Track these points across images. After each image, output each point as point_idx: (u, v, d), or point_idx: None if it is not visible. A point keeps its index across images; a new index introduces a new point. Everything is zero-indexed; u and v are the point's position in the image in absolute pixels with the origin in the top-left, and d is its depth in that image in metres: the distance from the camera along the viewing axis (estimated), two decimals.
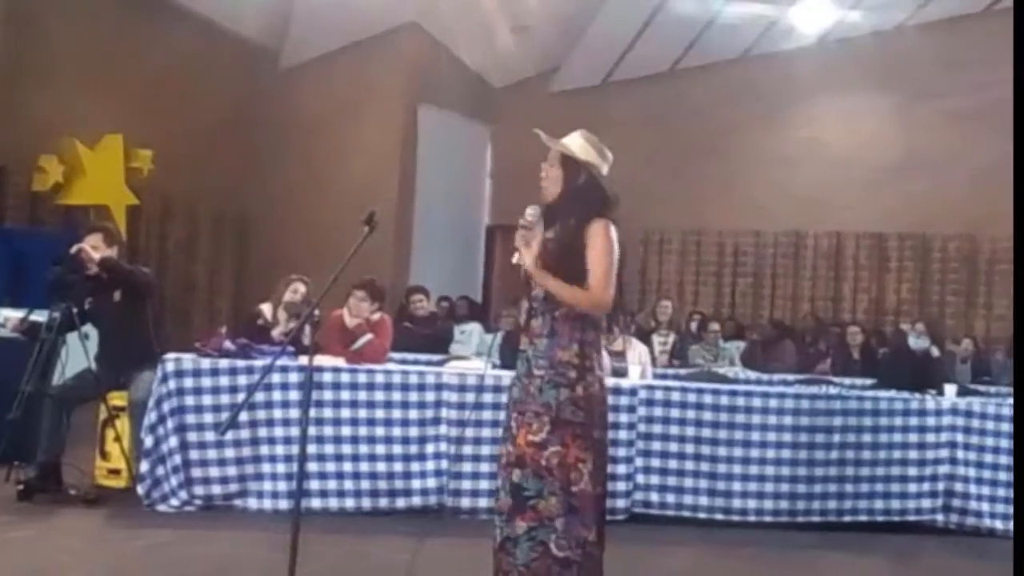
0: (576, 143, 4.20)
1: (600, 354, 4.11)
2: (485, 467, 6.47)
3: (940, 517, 6.85)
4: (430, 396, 6.48)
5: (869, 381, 9.13)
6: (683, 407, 6.65)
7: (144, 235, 12.50)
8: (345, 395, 6.39)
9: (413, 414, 6.45)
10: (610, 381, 6.82)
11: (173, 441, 6.23)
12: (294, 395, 6.29)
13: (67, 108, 11.10)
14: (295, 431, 6.14)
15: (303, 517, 4.15)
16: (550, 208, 4.17)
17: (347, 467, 6.37)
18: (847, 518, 6.77)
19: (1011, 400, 7.51)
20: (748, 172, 14.87)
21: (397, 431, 6.42)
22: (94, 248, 6.57)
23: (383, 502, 6.42)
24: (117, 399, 6.61)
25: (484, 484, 6.47)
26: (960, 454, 6.88)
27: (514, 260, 4.11)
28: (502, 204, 15.89)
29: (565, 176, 4.16)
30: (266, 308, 7.48)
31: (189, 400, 6.28)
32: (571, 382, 3.99)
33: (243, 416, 6.13)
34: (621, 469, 6.55)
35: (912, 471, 6.84)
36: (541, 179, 4.18)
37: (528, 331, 4.12)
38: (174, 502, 6.21)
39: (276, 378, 6.28)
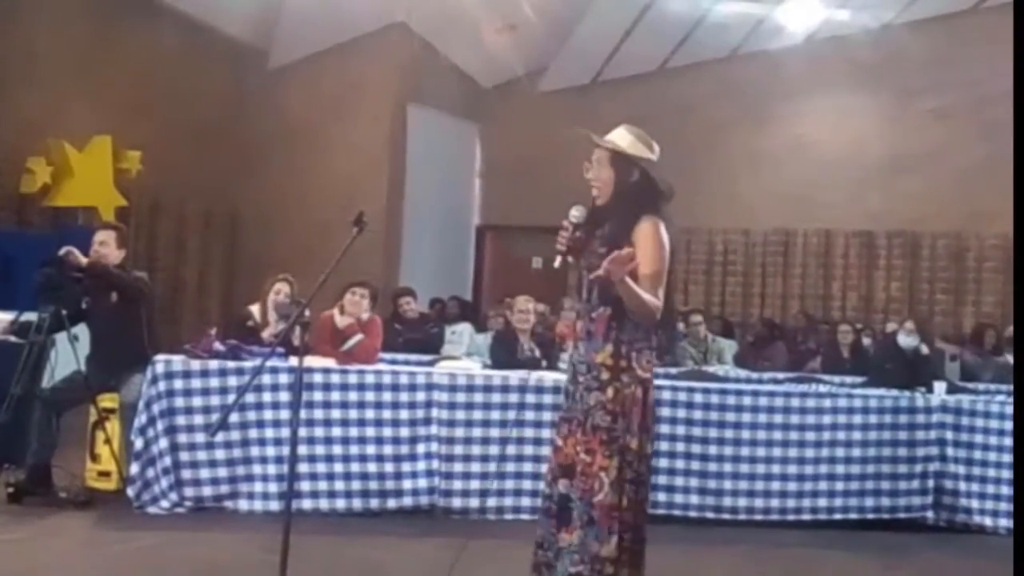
0: (625, 139, 4.08)
1: (645, 354, 3.97)
2: (476, 467, 6.49)
3: (930, 514, 6.87)
4: (420, 396, 6.48)
5: (859, 379, 9.14)
6: (674, 406, 6.66)
7: (133, 236, 12.38)
8: (335, 396, 6.38)
9: (404, 414, 6.45)
10: None
11: (163, 443, 6.23)
12: (284, 396, 6.28)
13: (55, 109, 11.08)
14: (285, 432, 6.14)
15: (294, 518, 4.15)
16: (598, 210, 4.05)
17: (338, 468, 6.37)
18: (838, 516, 6.79)
19: (1000, 397, 7.55)
20: (737, 171, 14.88)
21: (388, 431, 6.42)
22: (104, 244, 6.57)
23: (374, 503, 6.42)
24: (107, 401, 6.58)
25: (475, 484, 6.49)
26: (950, 451, 6.90)
27: (556, 264, 4.03)
28: (491, 204, 15.90)
29: (616, 176, 4.04)
30: (255, 309, 7.46)
31: (179, 402, 6.27)
32: (602, 385, 3.90)
33: (233, 417, 6.13)
34: None
35: (902, 468, 6.85)
36: (590, 181, 4.07)
37: (576, 336, 4.09)
38: (164, 504, 6.20)
39: (266, 379, 6.27)
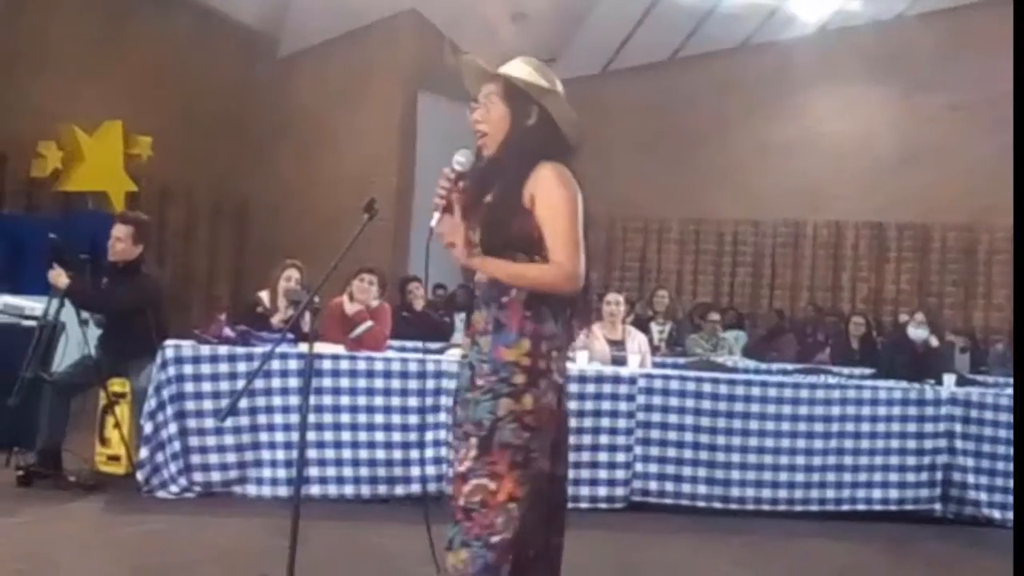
0: (522, 70, 3.27)
1: (563, 352, 3.17)
2: None
3: (938, 506, 6.86)
4: (430, 383, 6.48)
5: (868, 371, 9.13)
6: (682, 396, 6.66)
7: None
8: (344, 382, 6.39)
9: (412, 401, 6.45)
10: (609, 370, 6.87)
11: (172, 428, 6.23)
12: (293, 382, 6.29)
13: (65, 94, 11.08)
14: (294, 418, 6.14)
15: (302, 504, 4.15)
16: (490, 163, 3.26)
17: (346, 454, 6.37)
18: (845, 507, 6.79)
19: (1010, 390, 7.54)
20: (748, 161, 14.86)
21: (396, 418, 6.42)
22: (119, 240, 6.54)
23: (382, 489, 6.42)
24: (117, 386, 6.60)
25: None
26: (959, 444, 6.89)
27: (432, 223, 3.25)
28: None
29: (511, 116, 3.22)
30: (265, 295, 7.46)
31: (188, 387, 6.28)
32: (517, 390, 3.04)
33: (242, 403, 6.13)
34: (620, 457, 6.58)
35: (911, 460, 6.85)
36: (475, 125, 3.28)
37: (471, 329, 3.23)
38: (173, 488, 6.21)
39: (275, 365, 6.28)
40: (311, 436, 6.16)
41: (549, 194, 3.08)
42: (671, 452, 6.62)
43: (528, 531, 3.09)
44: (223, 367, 6.31)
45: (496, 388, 3.04)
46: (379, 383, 6.42)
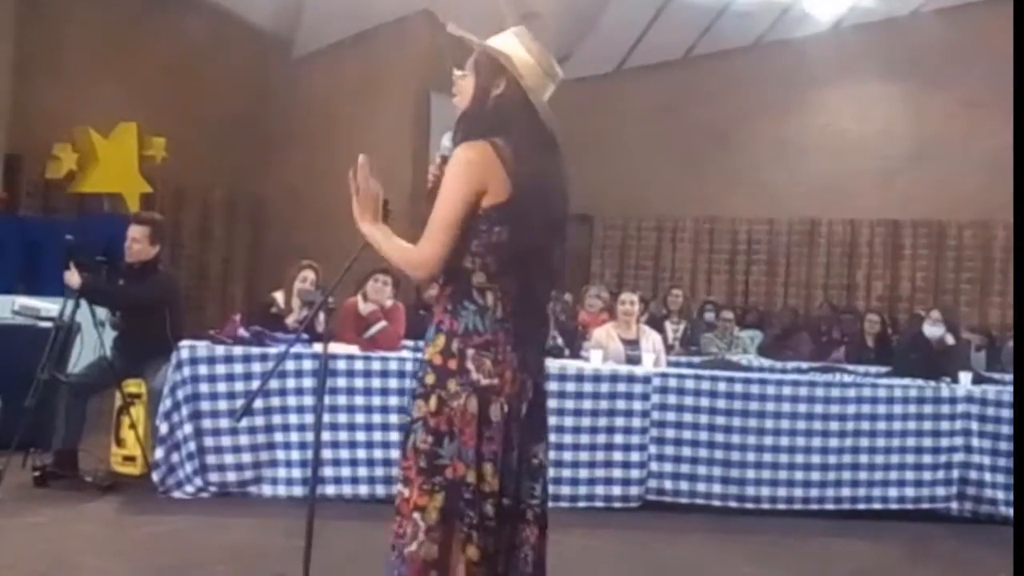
0: (506, 41, 3.09)
1: (490, 352, 2.83)
2: None
3: (954, 505, 6.84)
4: None
5: (884, 369, 9.10)
6: (697, 395, 6.65)
7: None
8: (359, 382, 6.39)
9: None
10: (624, 369, 6.86)
11: (188, 428, 6.25)
12: (308, 382, 6.30)
13: (80, 97, 11.13)
14: (309, 418, 6.16)
15: (318, 504, 4.16)
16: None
17: (361, 454, 6.38)
18: (861, 506, 6.77)
19: None
20: (761, 160, 14.83)
21: None
22: (136, 241, 6.57)
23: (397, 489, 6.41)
24: (132, 387, 6.62)
25: None
26: (975, 442, 6.86)
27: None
28: None
29: (476, 85, 3.05)
30: (279, 296, 7.47)
31: (204, 387, 6.29)
32: (427, 390, 2.84)
33: (257, 403, 6.13)
34: (635, 457, 6.57)
35: (927, 459, 6.83)
36: (453, 97, 3.17)
37: None
38: (189, 489, 6.23)
39: (290, 365, 6.29)
40: (326, 436, 6.17)
41: (445, 176, 2.95)
42: (686, 451, 6.62)
43: (446, 544, 2.79)
44: (238, 367, 6.33)
45: (415, 388, 2.91)
46: (393, 383, 6.42)
